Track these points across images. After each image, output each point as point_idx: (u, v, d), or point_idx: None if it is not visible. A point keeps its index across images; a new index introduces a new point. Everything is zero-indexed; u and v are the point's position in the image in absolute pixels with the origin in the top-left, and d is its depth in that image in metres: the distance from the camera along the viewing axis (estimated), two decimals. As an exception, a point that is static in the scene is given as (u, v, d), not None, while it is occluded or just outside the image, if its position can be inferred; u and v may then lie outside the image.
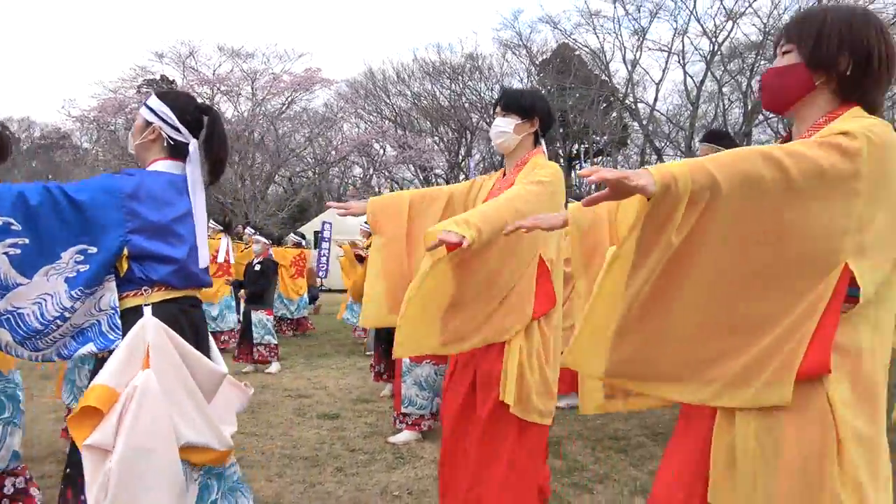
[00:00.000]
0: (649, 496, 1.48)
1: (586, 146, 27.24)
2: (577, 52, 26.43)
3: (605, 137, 26.93)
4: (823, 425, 1.26)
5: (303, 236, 10.33)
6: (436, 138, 27.97)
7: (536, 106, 2.47)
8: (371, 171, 28.94)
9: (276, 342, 6.74)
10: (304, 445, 4.08)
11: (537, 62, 27.53)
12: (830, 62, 1.39)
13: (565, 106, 25.87)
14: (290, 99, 23.02)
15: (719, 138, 3.83)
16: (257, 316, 6.67)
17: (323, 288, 16.61)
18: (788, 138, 1.50)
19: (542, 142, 2.53)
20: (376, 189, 28.04)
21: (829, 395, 1.27)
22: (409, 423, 4.18)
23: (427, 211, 2.61)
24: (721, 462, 1.33)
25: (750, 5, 22.71)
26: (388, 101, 28.91)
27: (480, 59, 27.36)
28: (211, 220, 9.15)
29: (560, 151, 29.37)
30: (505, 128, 2.45)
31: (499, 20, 50.96)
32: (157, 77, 24.25)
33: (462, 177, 26.91)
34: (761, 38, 22.62)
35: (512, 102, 2.47)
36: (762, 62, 22.69)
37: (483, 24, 57.61)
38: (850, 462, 1.26)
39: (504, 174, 2.55)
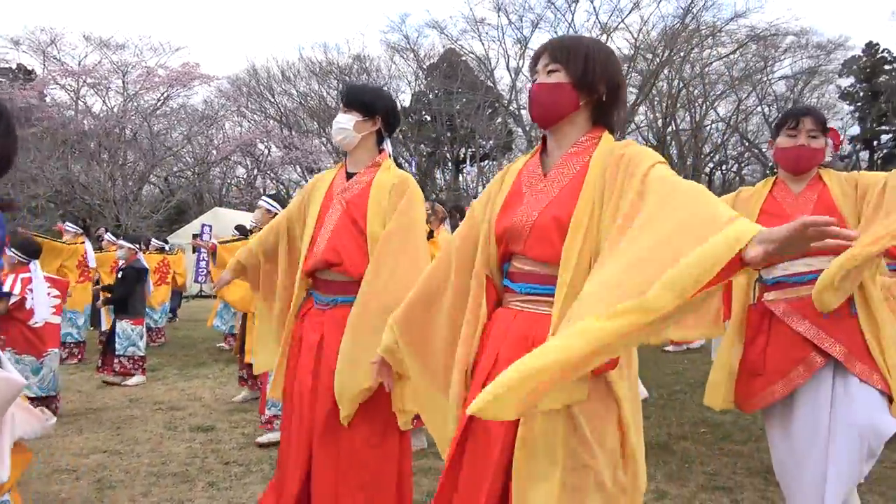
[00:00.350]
0: None
1: (473, 150, 27.82)
2: (463, 58, 26.95)
3: (491, 142, 27.64)
4: (614, 419, 1.40)
5: (166, 241, 9.90)
6: (323, 139, 27.52)
7: (378, 104, 2.40)
8: (255, 171, 28.02)
9: (142, 353, 6.33)
10: (173, 461, 3.86)
11: (425, 66, 27.79)
12: (593, 87, 1.55)
13: (453, 110, 26.29)
14: (165, 94, 21.81)
15: None
16: (121, 325, 6.25)
17: (201, 293, 15.89)
18: (544, 146, 1.66)
19: (388, 143, 2.48)
20: (261, 190, 27.15)
21: (615, 391, 1.41)
22: (275, 426, 4.06)
23: (275, 247, 2.63)
24: (525, 465, 1.40)
25: (622, 21, 24.17)
26: (272, 99, 28.11)
27: (368, 61, 27.29)
28: (68, 224, 8.49)
29: (448, 154, 29.79)
30: (345, 124, 2.36)
31: (386, 23, 50.91)
32: (13, 66, 22.19)
33: (350, 179, 26.59)
34: (633, 52, 24.11)
35: (354, 99, 2.39)
36: (633, 74, 24.17)
37: (370, 26, 57.39)
38: (633, 450, 1.41)
39: (347, 174, 2.43)
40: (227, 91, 25.53)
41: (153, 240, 10.17)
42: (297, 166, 26.86)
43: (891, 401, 2.29)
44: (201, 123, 23.18)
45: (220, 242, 5.46)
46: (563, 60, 1.55)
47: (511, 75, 25.96)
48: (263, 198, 4.96)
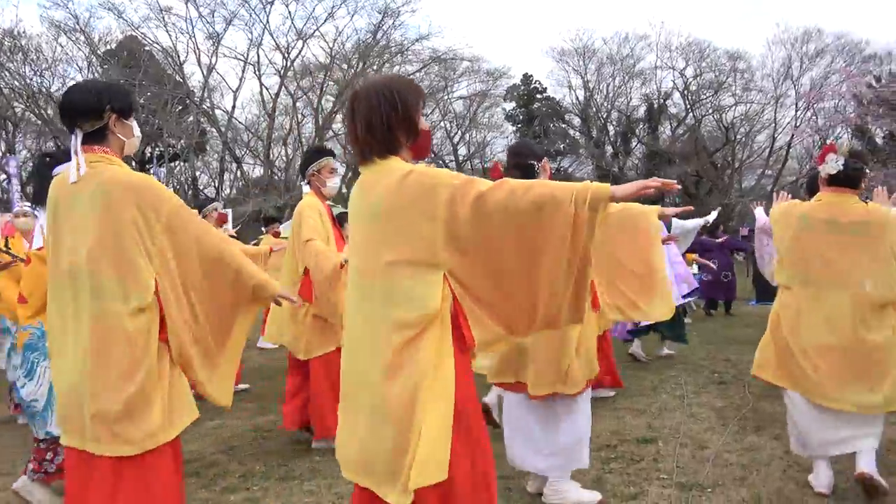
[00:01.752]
0: None
1: (161, 149, 25.59)
2: (147, 48, 24.56)
3: (182, 141, 25.71)
4: None
5: None
6: (-39, 128, 22.61)
7: None
8: None
9: None
10: None
11: (100, 52, 24.65)
12: None
13: (136, 104, 23.81)
14: None
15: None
16: None
17: None
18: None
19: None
20: None
21: None
22: None
23: None
24: None
25: (317, 29, 24.53)
26: None
27: (25, 39, 23.18)
28: None
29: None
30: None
31: (49, -3, 43.58)
32: None
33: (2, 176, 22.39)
34: (328, 60, 24.67)
35: None
36: (329, 83, 24.78)
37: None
38: None
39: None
40: None
41: None
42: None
43: None
44: None
45: None
46: None
47: (203, 72, 24.51)
48: None
